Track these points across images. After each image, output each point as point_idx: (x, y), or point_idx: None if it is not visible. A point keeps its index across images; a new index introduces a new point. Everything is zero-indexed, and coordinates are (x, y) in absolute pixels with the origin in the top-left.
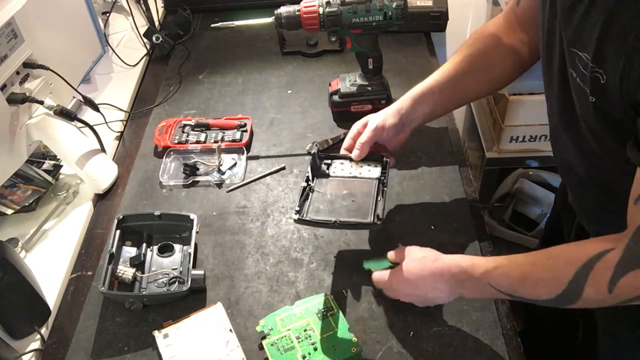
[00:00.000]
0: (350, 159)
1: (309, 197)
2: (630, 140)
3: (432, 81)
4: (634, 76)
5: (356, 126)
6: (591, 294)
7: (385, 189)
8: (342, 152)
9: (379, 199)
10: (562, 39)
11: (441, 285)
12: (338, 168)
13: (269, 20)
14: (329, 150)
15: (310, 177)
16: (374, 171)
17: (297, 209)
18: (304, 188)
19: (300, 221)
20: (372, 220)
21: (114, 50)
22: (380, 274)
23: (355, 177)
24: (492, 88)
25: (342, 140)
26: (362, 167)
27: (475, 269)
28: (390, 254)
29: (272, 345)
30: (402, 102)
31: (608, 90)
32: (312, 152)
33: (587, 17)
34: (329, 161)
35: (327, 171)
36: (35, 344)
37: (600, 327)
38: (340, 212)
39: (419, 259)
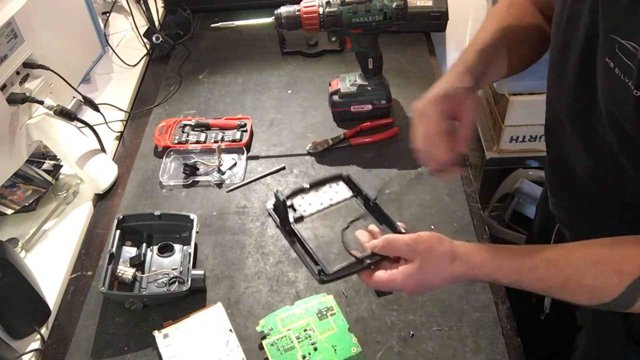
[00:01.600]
0: (308, 190)
1: (307, 249)
2: None
3: (484, 43)
4: None
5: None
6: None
7: (375, 201)
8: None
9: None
10: (592, 23)
11: (450, 283)
12: (304, 206)
13: (269, 20)
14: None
15: (287, 229)
16: (342, 189)
17: (317, 268)
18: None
19: (329, 280)
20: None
21: (114, 50)
22: (384, 277)
23: (329, 205)
24: (512, 70)
25: (342, 140)
26: (325, 192)
27: (503, 274)
28: (376, 245)
29: (272, 345)
30: (464, 62)
31: None
32: (272, 205)
33: (638, 3)
34: (289, 202)
35: (298, 215)
36: (35, 344)
37: (590, 341)
38: (349, 243)
39: (435, 261)
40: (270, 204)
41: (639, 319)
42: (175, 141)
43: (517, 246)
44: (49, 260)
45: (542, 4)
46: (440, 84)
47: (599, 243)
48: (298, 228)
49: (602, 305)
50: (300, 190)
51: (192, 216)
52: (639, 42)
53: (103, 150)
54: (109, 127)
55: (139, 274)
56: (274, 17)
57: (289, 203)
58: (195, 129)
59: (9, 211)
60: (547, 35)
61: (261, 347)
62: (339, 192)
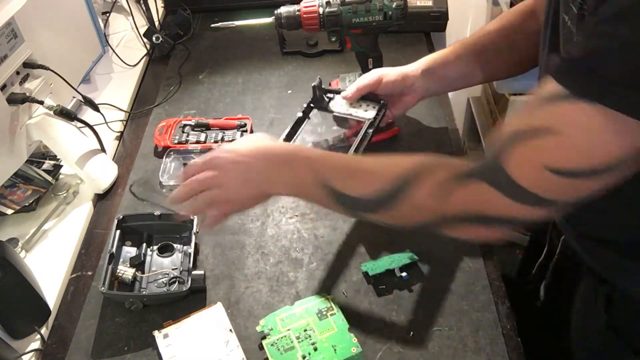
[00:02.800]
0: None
1: (301, 126)
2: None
3: (448, 52)
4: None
5: (377, 73)
6: (413, 196)
7: (370, 130)
8: (359, 83)
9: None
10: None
11: (266, 166)
12: (337, 104)
13: (269, 20)
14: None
15: (308, 108)
16: (370, 112)
17: (284, 136)
18: (299, 117)
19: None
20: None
21: (114, 50)
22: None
23: (351, 114)
24: (511, 71)
25: (343, 140)
26: (360, 106)
27: (310, 152)
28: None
29: (272, 345)
30: (413, 68)
31: (587, 25)
32: (314, 84)
33: None
34: (331, 95)
35: (327, 105)
36: (35, 344)
37: (576, 331)
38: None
39: (246, 138)
40: (317, 82)
41: (620, 309)
42: (175, 141)
43: None
44: (49, 260)
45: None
46: (394, 68)
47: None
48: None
49: (378, 197)
50: (337, 92)
51: (192, 216)
52: None
53: (103, 150)
54: (109, 127)
55: (139, 274)
56: (274, 17)
57: (330, 95)
58: (195, 129)
59: (9, 211)
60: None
61: (261, 347)
62: (368, 112)
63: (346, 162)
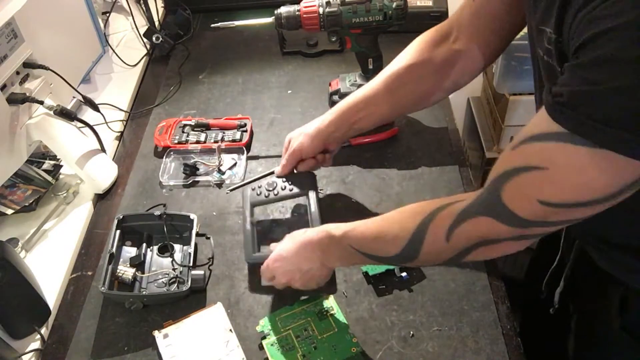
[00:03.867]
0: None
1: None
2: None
3: (350, 102)
4: (573, 28)
5: (285, 142)
6: (430, 245)
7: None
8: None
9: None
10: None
11: (311, 254)
12: (266, 191)
13: (269, 20)
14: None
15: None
16: (305, 184)
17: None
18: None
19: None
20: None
21: (114, 50)
22: (263, 267)
23: (291, 192)
24: (417, 104)
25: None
26: (290, 183)
27: (336, 232)
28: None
29: (272, 345)
30: (325, 118)
31: (566, 56)
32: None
33: None
34: (256, 186)
35: (262, 197)
36: (35, 344)
37: (589, 335)
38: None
39: (289, 237)
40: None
41: (634, 311)
42: (175, 141)
43: None
44: (49, 260)
45: (471, 21)
46: (304, 133)
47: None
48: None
49: (402, 255)
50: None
51: (192, 216)
52: (552, 27)
53: (103, 150)
54: (109, 127)
55: (139, 274)
56: (274, 17)
57: (255, 187)
58: (195, 129)
59: (9, 211)
60: (457, 66)
61: (261, 347)
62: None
63: (367, 231)
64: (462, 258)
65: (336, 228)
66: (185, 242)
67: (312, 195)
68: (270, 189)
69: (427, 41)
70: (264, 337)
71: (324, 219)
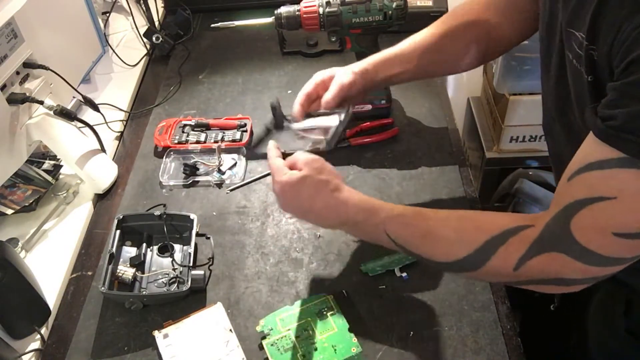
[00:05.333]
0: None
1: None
2: (590, 105)
3: (397, 51)
4: (618, 42)
5: (320, 76)
6: (495, 267)
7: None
8: (301, 96)
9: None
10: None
11: (332, 218)
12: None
13: (269, 20)
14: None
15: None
16: (334, 117)
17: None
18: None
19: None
20: None
21: (114, 50)
22: (279, 166)
23: (314, 126)
24: (454, 70)
25: (343, 140)
26: (318, 115)
27: (375, 213)
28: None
29: (272, 345)
30: (367, 65)
31: (600, 67)
32: (272, 103)
33: None
34: (289, 117)
35: (287, 124)
36: (35, 344)
37: (592, 336)
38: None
39: (316, 182)
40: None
41: (639, 313)
42: (175, 141)
43: None
44: (49, 260)
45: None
46: (351, 70)
47: (468, 210)
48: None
49: (456, 265)
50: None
51: (192, 216)
52: (584, 32)
53: (103, 150)
54: (109, 127)
55: (139, 274)
56: (274, 17)
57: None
58: (195, 129)
59: (9, 211)
60: (494, 38)
61: (261, 347)
62: (331, 119)
63: (413, 226)
64: (524, 285)
65: (372, 209)
66: (185, 242)
67: (342, 116)
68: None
69: (480, 5)
70: (264, 337)
71: None
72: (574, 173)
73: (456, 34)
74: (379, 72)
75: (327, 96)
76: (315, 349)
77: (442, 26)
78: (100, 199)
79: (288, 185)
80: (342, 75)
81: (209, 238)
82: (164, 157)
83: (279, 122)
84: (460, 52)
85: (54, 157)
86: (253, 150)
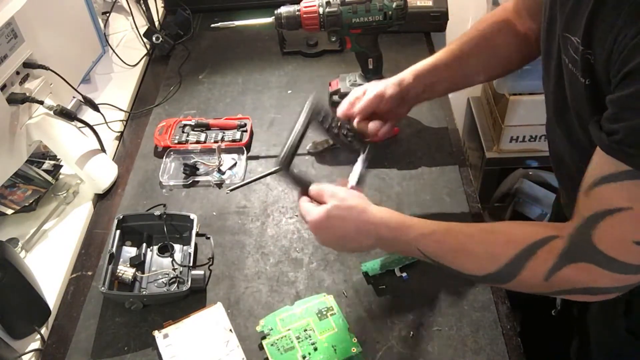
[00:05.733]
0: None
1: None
2: (594, 118)
3: (435, 59)
4: (616, 51)
5: (355, 93)
6: (527, 279)
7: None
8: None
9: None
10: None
11: (366, 240)
12: (337, 126)
13: (269, 20)
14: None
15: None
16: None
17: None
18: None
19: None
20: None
21: (114, 50)
22: (307, 207)
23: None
24: (496, 72)
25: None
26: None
27: (406, 232)
28: (313, 190)
29: (272, 345)
30: (404, 75)
31: (597, 71)
32: (312, 109)
33: (580, 1)
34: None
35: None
36: (35, 344)
37: (593, 337)
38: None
39: (343, 210)
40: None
41: (639, 313)
42: (175, 141)
43: None
44: (49, 260)
45: (528, 6)
46: (384, 82)
47: (498, 222)
48: None
49: (488, 277)
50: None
51: (192, 216)
52: (579, 36)
53: (103, 150)
54: (109, 127)
55: (139, 274)
56: (274, 17)
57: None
58: (195, 129)
59: (9, 211)
60: (529, 42)
61: (261, 347)
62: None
63: (445, 242)
64: (557, 295)
65: (403, 227)
66: (185, 242)
67: (362, 157)
68: (335, 125)
69: (510, 11)
70: (264, 337)
71: None
72: (590, 185)
73: (494, 39)
74: (418, 83)
75: (359, 105)
76: (315, 349)
77: (474, 32)
78: (100, 199)
79: (318, 222)
80: (373, 88)
81: (209, 238)
82: (164, 157)
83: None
84: (502, 58)
85: (54, 157)
86: (284, 166)
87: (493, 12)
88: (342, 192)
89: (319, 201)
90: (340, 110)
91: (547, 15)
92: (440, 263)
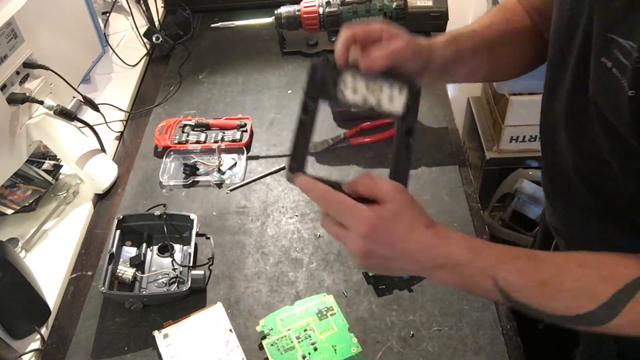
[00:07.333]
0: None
1: (309, 132)
2: None
3: (468, 30)
4: None
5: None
6: (624, 323)
7: (411, 141)
8: (337, 53)
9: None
10: (590, 23)
11: (426, 258)
12: (348, 87)
13: (269, 20)
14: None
15: (310, 101)
16: (397, 101)
17: (289, 164)
18: (302, 120)
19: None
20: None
21: (114, 50)
22: (348, 204)
23: (371, 105)
24: (515, 72)
25: (343, 139)
26: (381, 89)
27: (483, 256)
28: (349, 186)
29: (272, 345)
30: (427, 39)
31: None
32: (315, 63)
33: (636, 2)
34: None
35: (334, 91)
36: (35, 344)
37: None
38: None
39: (412, 217)
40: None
41: (629, 340)
42: (175, 141)
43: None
44: (49, 260)
45: (537, 12)
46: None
47: (587, 252)
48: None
49: (580, 319)
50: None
51: (192, 216)
52: (637, 42)
53: (103, 150)
54: (109, 127)
55: (139, 274)
56: (274, 17)
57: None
58: (195, 129)
59: (9, 211)
60: (540, 41)
61: (261, 347)
62: (394, 100)
63: (536, 276)
64: None
65: (482, 248)
66: (185, 242)
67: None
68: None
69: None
70: (264, 337)
71: None
72: None
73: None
74: (435, 48)
75: (378, 51)
76: (315, 349)
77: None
78: (100, 199)
79: (381, 222)
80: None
81: (209, 238)
82: (164, 157)
83: (323, 85)
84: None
85: (54, 157)
86: (299, 167)
87: (504, 5)
88: (407, 193)
89: (367, 197)
90: (341, 44)
91: (567, 13)
92: (514, 298)
